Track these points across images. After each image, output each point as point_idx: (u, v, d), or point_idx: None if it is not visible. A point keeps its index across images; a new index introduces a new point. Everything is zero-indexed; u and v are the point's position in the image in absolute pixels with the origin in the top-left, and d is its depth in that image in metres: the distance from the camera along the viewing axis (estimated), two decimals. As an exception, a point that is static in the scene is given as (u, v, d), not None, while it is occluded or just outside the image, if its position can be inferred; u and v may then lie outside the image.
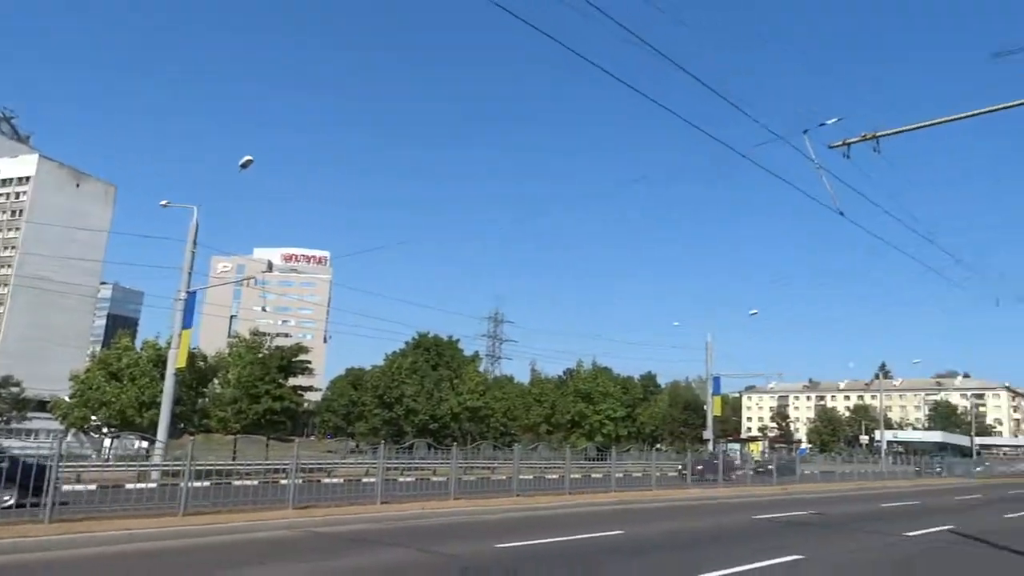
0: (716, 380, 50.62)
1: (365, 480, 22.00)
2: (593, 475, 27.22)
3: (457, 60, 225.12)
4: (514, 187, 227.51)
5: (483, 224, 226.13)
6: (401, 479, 23.62)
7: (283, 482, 17.10)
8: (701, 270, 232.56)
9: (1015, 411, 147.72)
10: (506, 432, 58.89)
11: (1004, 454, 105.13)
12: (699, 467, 32.89)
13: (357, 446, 61.48)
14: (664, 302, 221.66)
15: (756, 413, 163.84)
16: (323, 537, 12.98)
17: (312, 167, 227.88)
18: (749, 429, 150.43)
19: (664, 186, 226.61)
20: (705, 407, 54.79)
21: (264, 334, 48.80)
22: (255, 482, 19.46)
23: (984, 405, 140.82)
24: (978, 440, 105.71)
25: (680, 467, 29.69)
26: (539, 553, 11.81)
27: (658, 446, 75.36)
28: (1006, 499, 31.36)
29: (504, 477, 24.25)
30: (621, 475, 27.45)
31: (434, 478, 23.35)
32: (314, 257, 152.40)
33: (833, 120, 13.37)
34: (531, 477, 26.32)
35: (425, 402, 52.64)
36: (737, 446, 55.31)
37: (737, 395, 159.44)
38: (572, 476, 24.47)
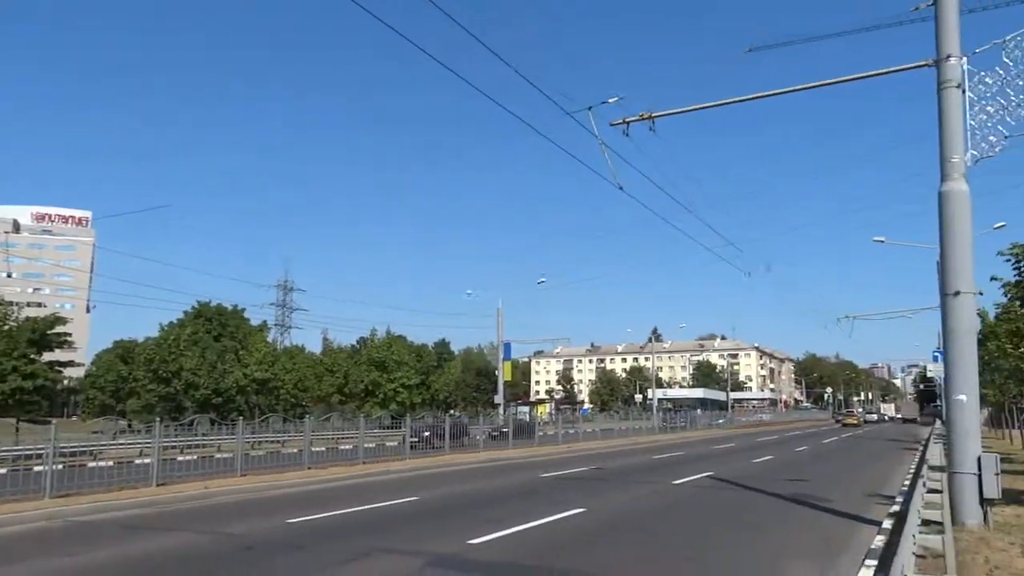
0: (507, 346, 52.58)
1: (139, 461, 20.31)
2: (388, 443, 27.21)
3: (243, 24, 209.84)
4: (302, 149, 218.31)
5: (270, 183, 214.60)
6: (181, 458, 22.10)
7: (37, 469, 15.29)
8: (492, 240, 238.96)
9: (762, 368, 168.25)
10: (297, 404, 57.04)
11: (753, 406, 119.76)
12: (495, 431, 33.97)
13: (129, 425, 56.50)
14: (457, 272, 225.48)
15: (544, 377, 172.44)
16: (88, 527, 11.83)
17: (66, 113, 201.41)
18: (537, 392, 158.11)
19: (453, 157, 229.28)
20: (496, 372, 56.79)
21: (9, 303, 43.15)
22: (2, 471, 17.24)
23: (738, 364, 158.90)
24: (733, 395, 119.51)
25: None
26: (331, 526, 11.61)
27: (452, 412, 76.91)
28: (754, 446, 35.74)
29: (295, 450, 23.52)
30: (415, 440, 27.68)
31: (219, 455, 22.11)
32: (72, 217, 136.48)
33: (614, 99, 14.20)
34: (324, 449, 25.78)
35: (207, 375, 49.52)
36: (527, 408, 57.83)
37: (527, 360, 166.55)
38: (366, 446, 24.29)
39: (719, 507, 13.97)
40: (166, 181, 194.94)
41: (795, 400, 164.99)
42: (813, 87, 13.14)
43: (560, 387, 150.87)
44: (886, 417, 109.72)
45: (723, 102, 13.97)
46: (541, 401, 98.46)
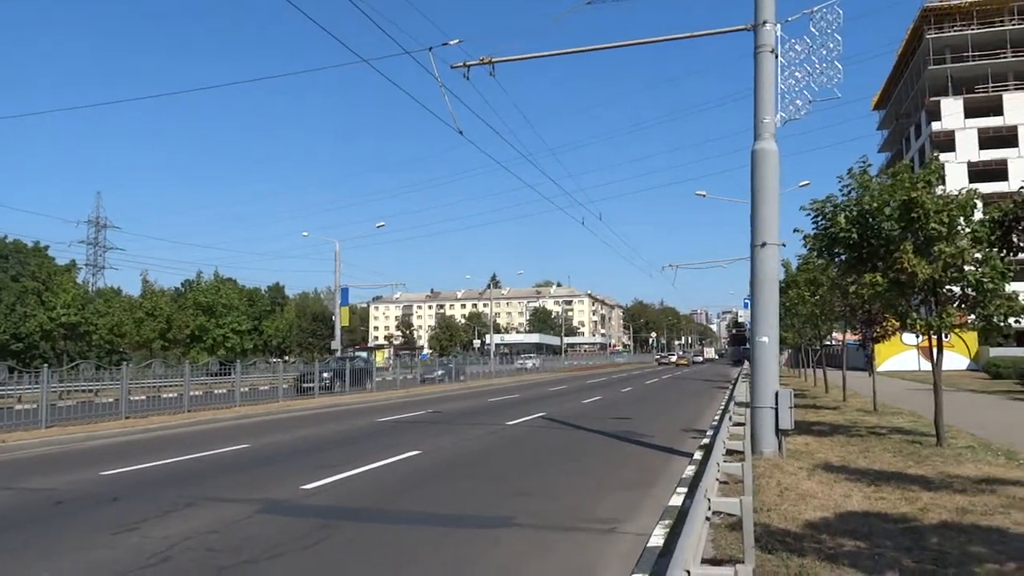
0: (344, 291, 51.45)
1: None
2: (216, 391, 26.07)
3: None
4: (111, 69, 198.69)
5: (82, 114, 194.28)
6: (-28, 411, 20.01)
7: None
8: (329, 181, 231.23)
9: (594, 314, 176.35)
10: (113, 350, 53.18)
11: (585, 350, 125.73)
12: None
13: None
14: (293, 214, 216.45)
15: (383, 322, 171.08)
16: None
17: None
18: (376, 338, 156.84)
19: (289, 92, 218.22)
20: (333, 318, 55.62)
21: None
22: None
23: (572, 310, 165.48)
24: (566, 340, 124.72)
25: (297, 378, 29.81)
26: (152, 477, 11.06)
27: (286, 358, 74.77)
28: (585, 388, 37.67)
29: (112, 399, 21.97)
30: (247, 389, 26.75)
31: (19, 406, 20.25)
32: None
33: (455, 41, 14.05)
34: (144, 397, 24.28)
35: (4, 319, 44.90)
36: (364, 354, 57.29)
37: (365, 305, 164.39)
38: (192, 393, 23.16)
39: (550, 444, 14.67)
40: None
41: (623, 344, 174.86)
42: (644, 43, 13.65)
43: (399, 333, 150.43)
44: (712, 358, 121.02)
45: (559, 52, 14.21)
46: (380, 347, 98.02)
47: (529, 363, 62.16)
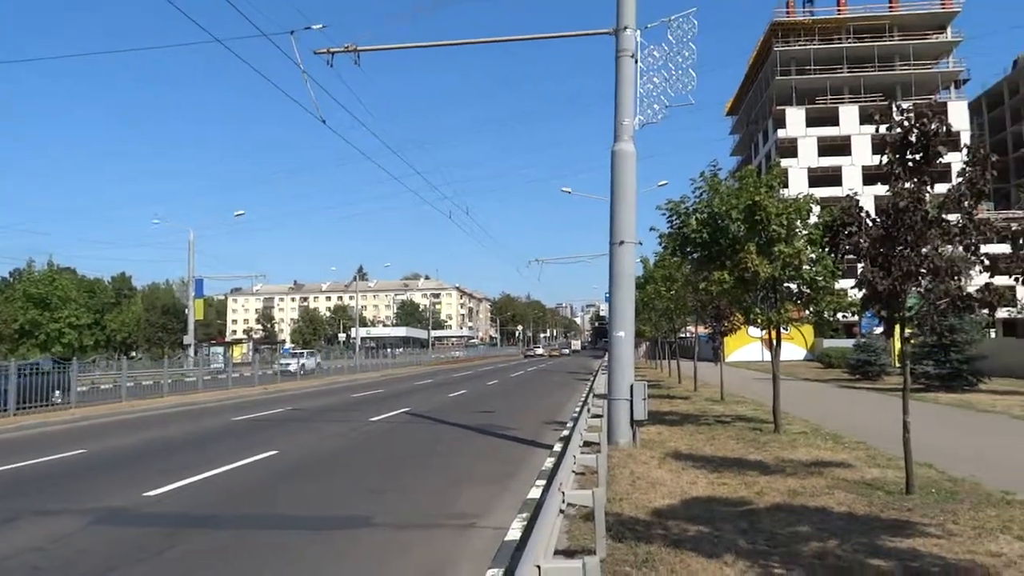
0: (199, 282, 48.99)
1: None
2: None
3: None
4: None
5: None
6: None
7: None
8: (184, 168, 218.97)
9: (462, 308, 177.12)
10: (-74, 348, 47.95)
11: (452, 343, 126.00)
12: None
13: None
14: (143, 198, 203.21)
15: (242, 316, 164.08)
16: None
17: None
18: (235, 332, 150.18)
19: (142, 73, 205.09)
20: (187, 311, 52.68)
21: None
22: None
23: (440, 303, 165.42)
24: (434, 333, 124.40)
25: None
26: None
27: (132, 354, 70.12)
28: (451, 381, 37.71)
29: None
30: (86, 389, 24.82)
31: None
32: None
33: (319, 26, 13.65)
34: (-37, 400, 21.98)
35: None
36: (220, 349, 54.70)
37: (223, 298, 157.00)
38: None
39: (413, 440, 14.58)
40: None
41: (491, 337, 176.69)
42: (509, 40, 13.82)
43: (260, 326, 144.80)
44: (577, 350, 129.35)
45: (425, 44, 14.21)
46: (237, 341, 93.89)
47: (394, 356, 61.58)
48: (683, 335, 45.79)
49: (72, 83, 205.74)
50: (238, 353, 56.24)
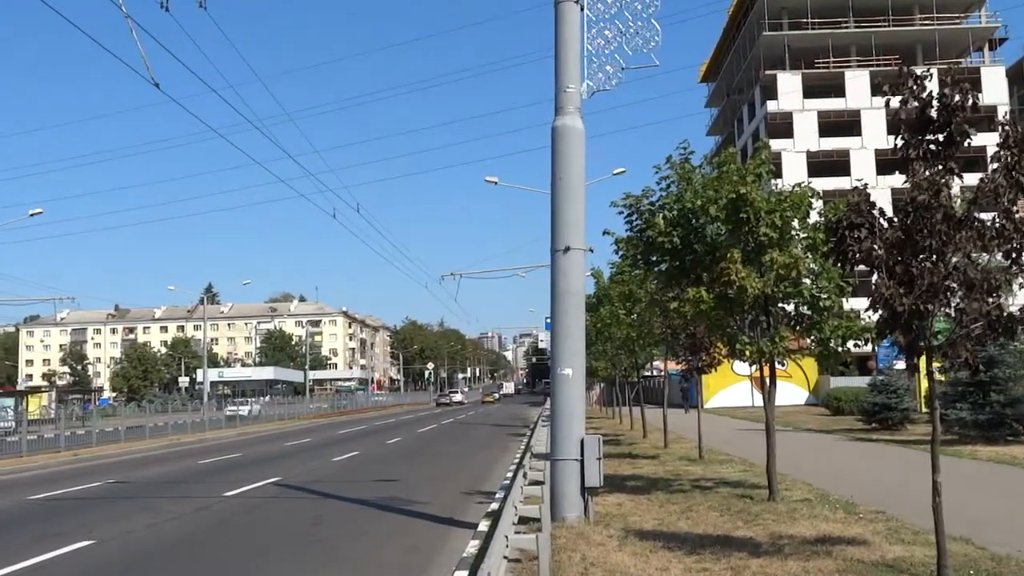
0: (-20, 308, 47.18)
1: None
2: None
3: None
4: None
5: None
6: None
7: None
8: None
9: (351, 339, 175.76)
10: None
11: (338, 389, 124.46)
12: None
13: None
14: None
15: (41, 354, 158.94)
16: None
17: None
18: (30, 376, 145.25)
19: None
20: (-39, 348, 50.48)
21: None
22: None
23: (321, 334, 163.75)
24: (313, 374, 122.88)
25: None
26: None
27: None
28: (337, 440, 37.25)
29: None
30: None
31: None
32: None
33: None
34: None
35: None
36: (10, 401, 52.62)
37: (14, 329, 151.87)
38: None
39: (283, 522, 14.32)
40: None
41: (391, 379, 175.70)
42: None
43: (67, 368, 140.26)
44: (510, 394, 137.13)
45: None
46: (36, 389, 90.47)
47: (245, 409, 59.17)
48: (648, 373, 46.37)
49: None
50: (35, 406, 54.13)
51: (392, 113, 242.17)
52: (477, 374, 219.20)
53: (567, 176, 12.23)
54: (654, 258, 14.22)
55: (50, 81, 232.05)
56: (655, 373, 52.80)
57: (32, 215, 48.24)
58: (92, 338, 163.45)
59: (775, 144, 62.61)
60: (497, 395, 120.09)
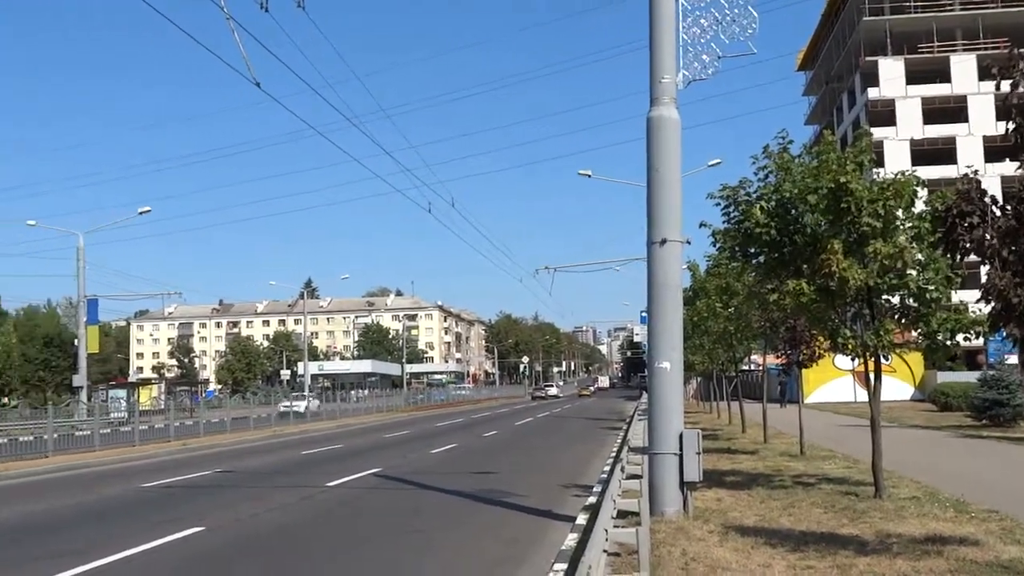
0: (92, 304, 49.07)
1: None
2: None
3: None
4: None
5: None
6: None
7: None
8: (73, 152, 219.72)
9: (447, 333, 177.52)
10: None
11: (430, 383, 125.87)
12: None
13: None
14: (12, 193, 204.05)
15: (151, 347, 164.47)
16: None
17: None
18: (141, 369, 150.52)
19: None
20: (76, 342, 52.74)
21: None
22: None
23: (417, 328, 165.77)
24: (409, 367, 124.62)
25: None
26: None
27: (5, 400, 70.28)
28: (435, 432, 37.70)
29: None
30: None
31: None
32: None
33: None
34: None
35: None
36: (123, 393, 54.74)
37: (125, 323, 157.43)
38: None
39: (383, 513, 14.57)
40: None
41: (486, 372, 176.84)
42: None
43: (175, 361, 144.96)
44: (604, 388, 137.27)
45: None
46: (146, 381, 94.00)
47: (301, 405, 55.62)
48: (746, 367, 45.69)
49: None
50: (146, 397, 56.22)
51: (485, 108, 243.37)
52: (572, 368, 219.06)
53: (663, 167, 12.12)
54: (752, 250, 13.96)
55: (152, 84, 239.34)
56: (753, 367, 51.99)
57: (141, 213, 50.07)
58: (198, 332, 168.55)
59: (877, 132, 61.43)
60: (592, 389, 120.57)
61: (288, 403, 54.20)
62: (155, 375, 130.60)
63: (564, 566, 9.28)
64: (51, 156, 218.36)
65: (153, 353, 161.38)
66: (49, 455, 26.97)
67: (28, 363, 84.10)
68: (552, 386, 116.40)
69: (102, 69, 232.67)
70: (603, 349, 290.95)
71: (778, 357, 25.20)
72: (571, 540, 10.85)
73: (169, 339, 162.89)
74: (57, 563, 10.39)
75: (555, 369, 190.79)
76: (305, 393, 65.69)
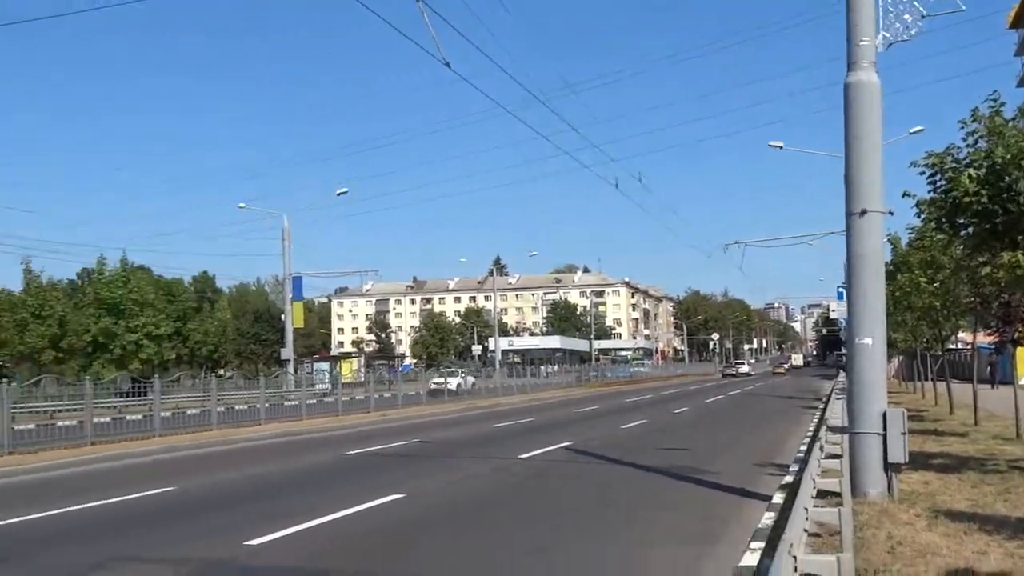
0: (297, 281, 51.75)
1: None
2: (128, 417, 26.31)
3: None
4: None
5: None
6: None
7: None
8: (270, 132, 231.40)
9: (634, 310, 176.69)
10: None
11: (613, 360, 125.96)
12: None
13: None
14: (226, 181, 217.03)
15: (350, 323, 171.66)
16: None
17: None
18: (341, 344, 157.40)
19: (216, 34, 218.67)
20: (283, 318, 55.87)
21: None
22: None
23: (604, 304, 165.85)
24: (597, 343, 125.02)
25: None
26: (47, 530, 11.22)
27: (221, 371, 75.10)
28: (623, 408, 37.74)
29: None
30: (169, 414, 26.98)
31: None
32: None
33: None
34: (33, 426, 24.53)
35: None
36: (326, 366, 57.60)
37: (326, 300, 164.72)
38: (97, 420, 23.40)
39: (576, 485, 14.71)
40: None
41: (675, 349, 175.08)
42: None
43: (372, 336, 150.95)
44: (799, 366, 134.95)
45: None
46: (346, 355, 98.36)
47: (454, 382, 53.15)
48: (953, 345, 43.30)
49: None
50: (347, 370, 58.77)
51: (673, 80, 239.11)
52: (763, 346, 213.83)
53: (862, 134, 11.61)
54: (960, 220, 13.20)
55: (349, 66, 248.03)
56: (960, 346, 49.24)
57: (339, 194, 52.33)
58: (394, 308, 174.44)
59: (1103, 92, 56.59)
60: (786, 367, 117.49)
61: (441, 379, 52.49)
62: (355, 349, 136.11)
63: (761, 544, 9.10)
64: (258, 144, 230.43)
65: (352, 328, 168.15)
66: (261, 423, 28.68)
67: (241, 337, 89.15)
68: (743, 363, 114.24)
69: (304, 70, 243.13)
70: (796, 326, 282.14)
71: (989, 335, 23.83)
72: (767, 519, 10.62)
73: (367, 315, 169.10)
74: (275, 522, 11.03)
75: (746, 346, 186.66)
76: (458, 369, 63.92)
